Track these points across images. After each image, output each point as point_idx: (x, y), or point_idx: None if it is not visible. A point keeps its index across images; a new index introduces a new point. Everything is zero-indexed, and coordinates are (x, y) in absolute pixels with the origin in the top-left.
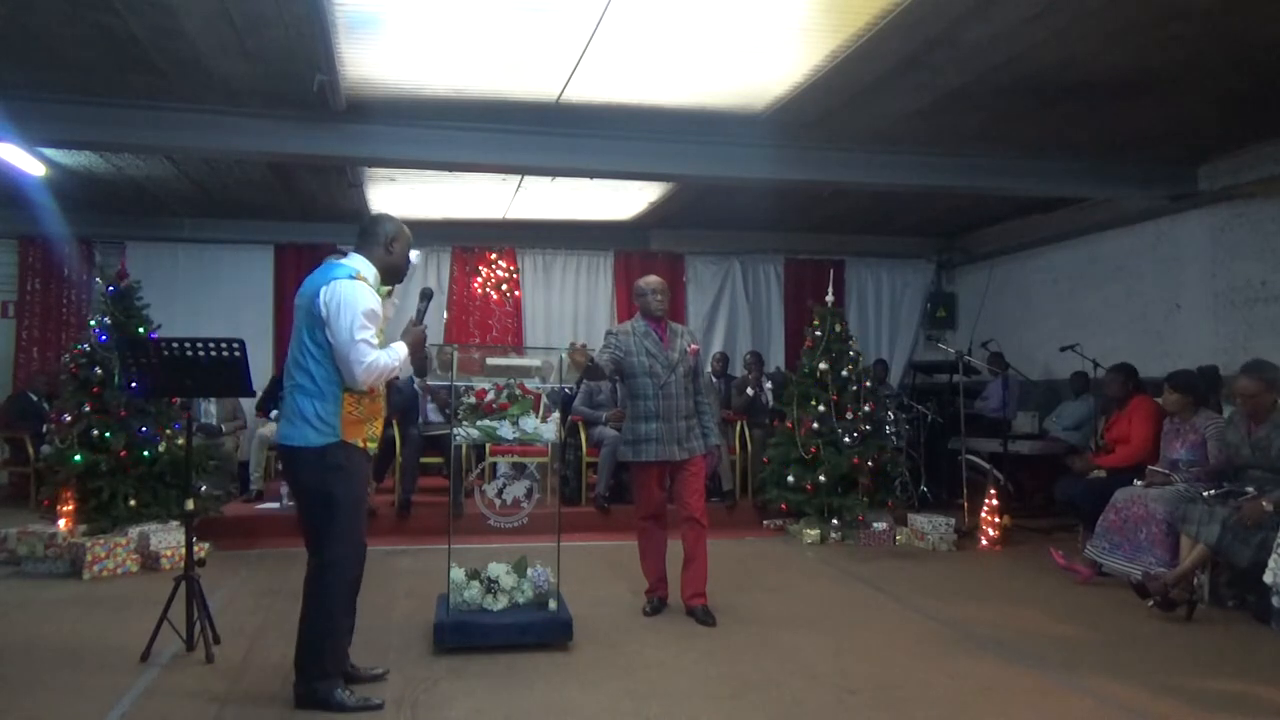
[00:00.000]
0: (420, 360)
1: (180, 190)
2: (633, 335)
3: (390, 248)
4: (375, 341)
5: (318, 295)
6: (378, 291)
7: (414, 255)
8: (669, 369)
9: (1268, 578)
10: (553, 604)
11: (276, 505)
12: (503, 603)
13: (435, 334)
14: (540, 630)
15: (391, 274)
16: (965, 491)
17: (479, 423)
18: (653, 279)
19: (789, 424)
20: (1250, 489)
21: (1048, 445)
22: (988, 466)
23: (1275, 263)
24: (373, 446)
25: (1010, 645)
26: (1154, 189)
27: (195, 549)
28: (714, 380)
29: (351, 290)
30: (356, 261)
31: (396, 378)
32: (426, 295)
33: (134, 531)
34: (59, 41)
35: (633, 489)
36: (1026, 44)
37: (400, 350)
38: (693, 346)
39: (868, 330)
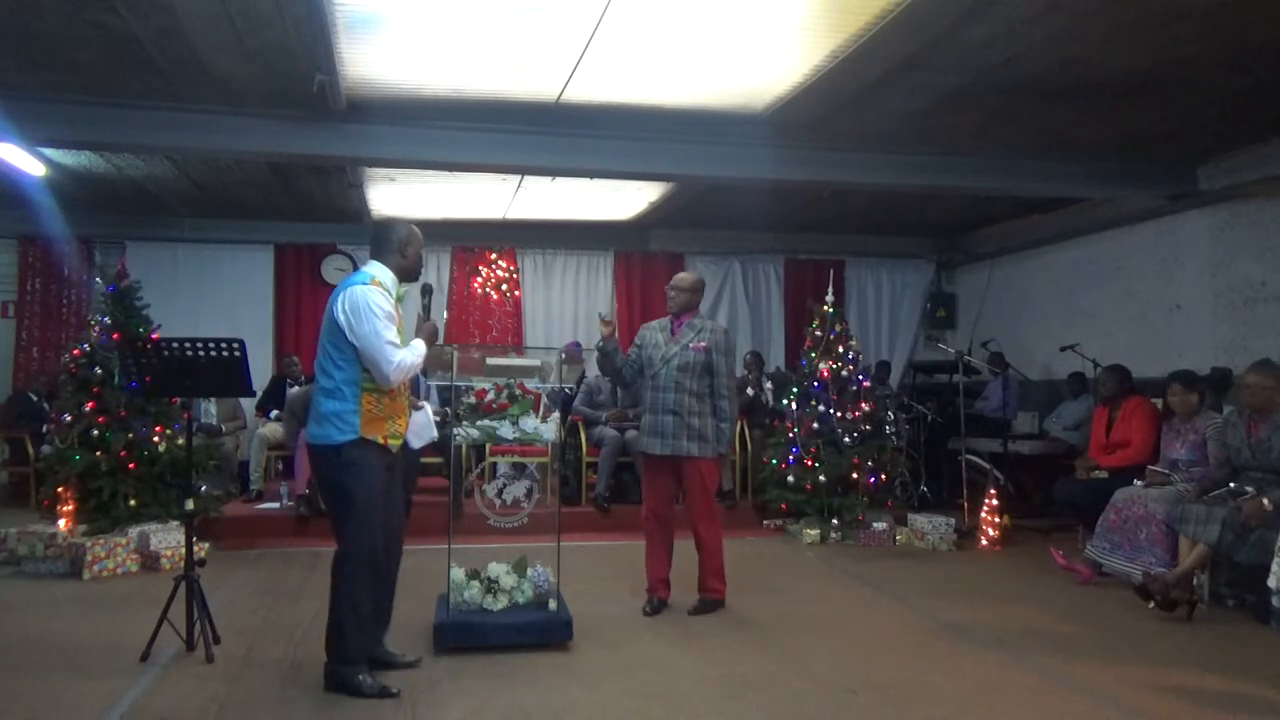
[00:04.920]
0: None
1: (180, 190)
2: (652, 330)
3: (404, 252)
4: (398, 342)
5: (336, 303)
6: (396, 294)
7: None
8: (664, 361)
9: (1272, 582)
10: (553, 604)
11: (276, 505)
12: (503, 603)
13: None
14: (540, 630)
15: (408, 275)
16: (965, 491)
17: (479, 423)
18: (680, 276)
19: (789, 424)
20: (1250, 489)
21: (1048, 445)
22: (988, 466)
23: (1275, 263)
24: (394, 443)
25: (1010, 645)
26: (1154, 189)
27: (195, 549)
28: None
29: (367, 296)
30: (373, 269)
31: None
32: (427, 291)
33: (134, 531)
34: (60, 41)
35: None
36: (1026, 44)
37: (420, 347)
38: (696, 344)
39: (868, 330)
